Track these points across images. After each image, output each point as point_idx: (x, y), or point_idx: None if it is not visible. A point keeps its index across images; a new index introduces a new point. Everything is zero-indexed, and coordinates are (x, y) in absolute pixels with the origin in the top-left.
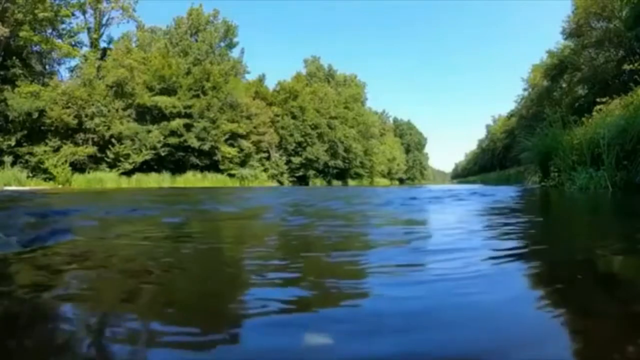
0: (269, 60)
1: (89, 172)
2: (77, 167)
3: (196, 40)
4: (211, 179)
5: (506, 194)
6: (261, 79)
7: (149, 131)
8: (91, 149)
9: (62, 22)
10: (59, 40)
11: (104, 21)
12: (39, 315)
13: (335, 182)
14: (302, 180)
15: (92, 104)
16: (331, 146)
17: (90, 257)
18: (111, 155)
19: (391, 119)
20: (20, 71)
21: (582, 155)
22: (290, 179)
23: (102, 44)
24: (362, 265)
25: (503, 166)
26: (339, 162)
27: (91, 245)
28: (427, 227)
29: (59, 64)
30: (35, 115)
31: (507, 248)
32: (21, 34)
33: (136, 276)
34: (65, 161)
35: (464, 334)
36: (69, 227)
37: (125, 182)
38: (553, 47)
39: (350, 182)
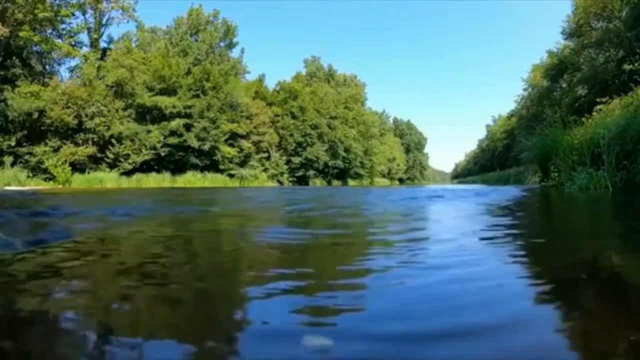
0: (269, 60)
1: (88, 172)
2: (77, 167)
3: (196, 40)
4: (211, 179)
5: (509, 193)
6: (261, 79)
7: (149, 131)
8: (91, 149)
9: (62, 22)
10: (59, 40)
11: (104, 21)
12: (38, 315)
13: (335, 182)
14: (302, 180)
15: (92, 104)
16: (331, 146)
17: (89, 258)
18: (111, 156)
19: (391, 119)
20: (20, 71)
21: (582, 155)
22: (290, 179)
23: (102, 44)
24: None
25: (503, 166)
26: (339, 162)
27: (91, 245)
28: (425, 223)
29: (59, 64)
30: (35, 115)
31: (507, 247)
32: (21, 34)
33: (135, 277)
34: (65, 161)
35: (462, 332)
36: (69, 227)
37: (125, 182)
38: (553, 47)
39: (350, 182)
